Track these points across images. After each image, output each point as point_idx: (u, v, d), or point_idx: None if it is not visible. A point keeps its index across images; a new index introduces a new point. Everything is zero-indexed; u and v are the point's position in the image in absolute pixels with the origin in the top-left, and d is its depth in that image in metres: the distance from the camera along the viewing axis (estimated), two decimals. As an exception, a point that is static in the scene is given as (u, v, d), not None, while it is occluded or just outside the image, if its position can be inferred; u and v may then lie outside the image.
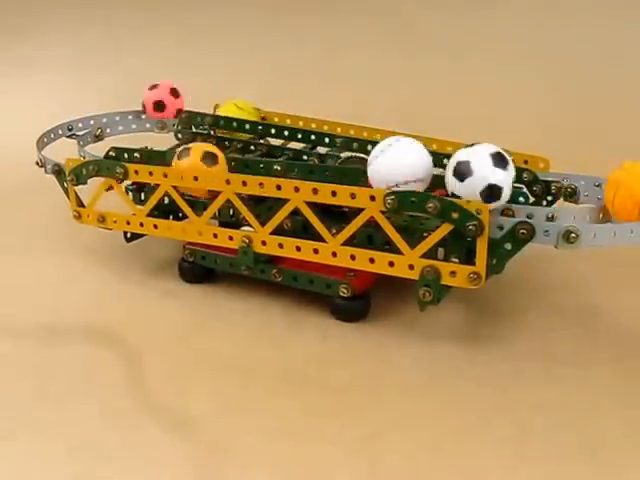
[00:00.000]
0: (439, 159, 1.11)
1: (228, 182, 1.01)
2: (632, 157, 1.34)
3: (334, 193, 0.94)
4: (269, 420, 0.80)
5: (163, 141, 1.36)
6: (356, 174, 1.03)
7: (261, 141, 1.32)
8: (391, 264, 0.92)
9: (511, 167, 0.88)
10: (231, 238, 1.03)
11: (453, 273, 0.89)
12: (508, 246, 0.87)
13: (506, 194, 0.88)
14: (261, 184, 0.99)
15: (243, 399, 0.84)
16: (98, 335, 0.99)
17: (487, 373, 0.88)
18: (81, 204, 1.16)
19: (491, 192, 0.86)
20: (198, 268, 1.13)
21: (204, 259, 1.11)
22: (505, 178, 0.87)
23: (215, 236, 1.05)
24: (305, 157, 1.23)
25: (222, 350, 0.95)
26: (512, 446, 0.75)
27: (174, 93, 1.38)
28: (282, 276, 1.04)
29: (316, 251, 0.97)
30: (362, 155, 1.13)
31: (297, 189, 0.96)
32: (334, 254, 0.96)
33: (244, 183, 1.00)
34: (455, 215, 0.87)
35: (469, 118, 1.42)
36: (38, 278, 1.17)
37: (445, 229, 0.88)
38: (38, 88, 1.84)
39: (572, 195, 1.09)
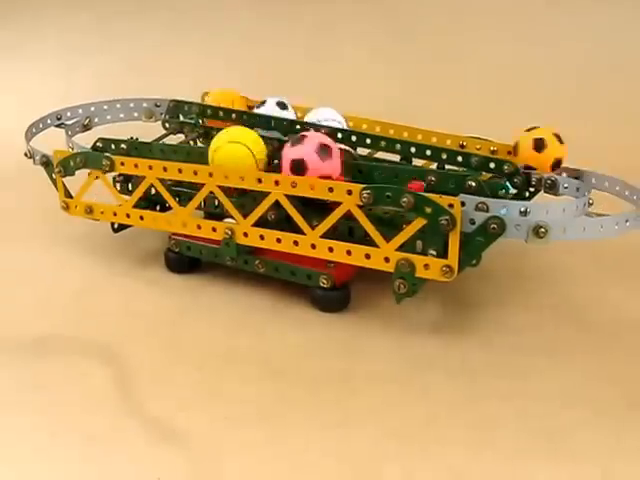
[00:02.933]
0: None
1: (211, 175, 1.03)
2: (613, 150, 1.36)
3: (312, 187, 0.96)
4: (243, 407, 0.83)
5: (152, 130, 1.38)
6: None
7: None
8: (367, 256, 0.95)
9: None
10: (214, 229, 1.06)
11: (427, 266, 0.91)
12: (480, 240, 0.89)
13: None
14: (242, 178, 1.01)
15: (219, 387, 0.87)
16: (82, 324, 1.02)
17: (459, 364, 0.91)
18: (69, 195, 1.19)
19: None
20: (184, 258, 1.15)
21: (189, 250, 1.13)
22: None
23: (199, 227, 1.07)
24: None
25: (203, 340, 0.98)
26: (477, 433, 0.78)
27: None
28: (265, 267, 1.07)
29: (296, 243, 1.00)
30: (345, 147, 1.15)
31: (277, 182, 0.98)
32: (313, 246, 0.99)
33: (226, 176, 1.02)
34: (428, 209, 0.89)
35: (457, 109, 1.43)
36: (24, 267, 1.20)
37: (419, 223, 0.90)
38: (27, 75, 1.85)
39: (552, 187, 1.11)
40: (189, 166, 1.05)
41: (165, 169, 1.06)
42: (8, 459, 0.76)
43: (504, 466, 0.73)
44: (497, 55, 1.69)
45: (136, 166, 1.09)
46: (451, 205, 0.88)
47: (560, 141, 1.12)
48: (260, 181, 1.00)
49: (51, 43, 1.84)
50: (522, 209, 0.94)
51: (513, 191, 1.12)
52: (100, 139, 1.22)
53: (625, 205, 1.06)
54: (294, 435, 0.78)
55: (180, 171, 1.05)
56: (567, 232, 0.88)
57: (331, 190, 0.95)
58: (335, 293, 1.04)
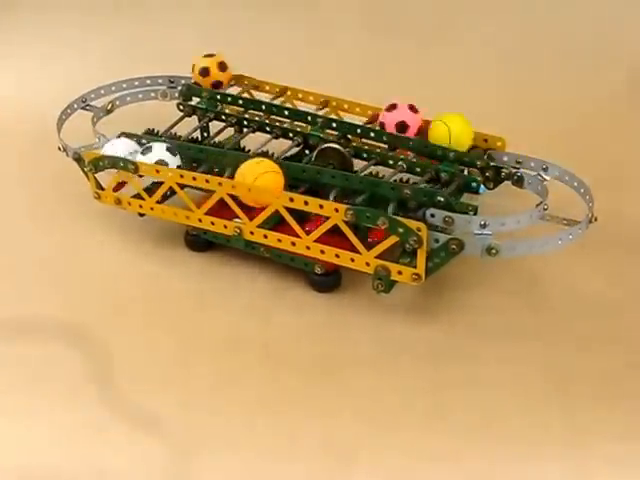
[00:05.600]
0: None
1: (220, 184, 1.21)
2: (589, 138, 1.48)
3: (306, 203, 1.14)
4: (234, 394, 1.05)
5: (167, 108, 1.53)
6: (328, 175, 1.22)
7: (255, 117, 1.47)
8: (352, 260, 1.15)
9: None
10: (225, 227, 1.25)
11: (400, 272, 1.11)
12: (443, 255, 1.08)
13: None
14: (249, 189, 1.19)
15: (213, 374, 1.09)
16: (102, 300, 1.23)
17: (425, 349, 1.13)
18: (100, 187, 1.37)
19: None
20: (201, 240, 1.35)
21: (206, 233, 1.32)
22: None
23: (212, 224, 1.26)
24: (291, 134, 1.40)
25: (208, 323, 1.19)
26: (433, 419, 1.00)
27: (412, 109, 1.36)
28: (269, 253, 1.26)
29: (293, 244, 1.19)
30: (336, 146, 1.31)
31: (277, 196, 1.17)
32: (307, 247, 1.18)
33: (233, 187, 1.20)
34: (401, 230, 1.07)
35: (441, 96, 1.54)
36: (53, 244, 1.39)
37: (393, 239, 1.09)
38: (41, 52, 1.96)
39: (518, 181, 1.27)
40: (202, 175, 1.23)
41: (182, 176, 1.24)
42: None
43: (453, 450, 0.96)
44: (489, 40, 1.77)
45: (157, 172, 1.26)
46: (419, 229, 1.06)
47: (222, 69, 1.51)
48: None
49: (53, 24, 1.91)
50: (482, 222, 1.11)
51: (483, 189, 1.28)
52: (123, 133, 1.39)
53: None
54: (281, 424, 1.00)
55: (194, 179, 1.23)
56: (516, 250, 1.07)
57: (321, 207, 1.13)
58: (328, 278, 1.25)
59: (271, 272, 1.30)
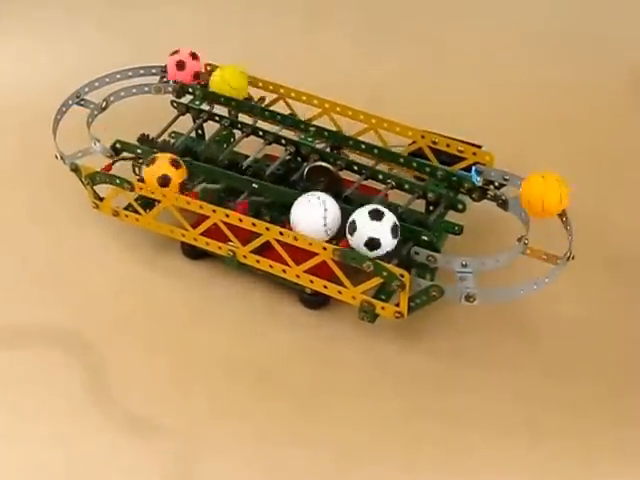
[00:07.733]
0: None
1: (214, 211, 1.25)
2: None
3: (296, 238, 1.19)
4: (240, 423, 1.15)
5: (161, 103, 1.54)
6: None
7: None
8: (339, 292, 1.21)
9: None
10: (220, 248, 1.30)
11: (383, 308, 1.18)
12: (424, 299, 1.14)
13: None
14: (240, 219, 1.23)
15: (213, 397, 1.18)
16: (98, 310, 1.30)
17: (407, 374, 1.21)
18: (98, 197, 1.40)
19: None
20: (197, 249, 1.40)
21: (202, 245, 1.38)
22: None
23: (207, 244, 1.31)
24: (283, 141, 1.42)
25: (205, 339, 1.27)
26: (408, 451, 1.10)
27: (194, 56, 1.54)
28: (261, 270, 1.32)
29: (284, 271, 1.25)
30: (325, 164, 1.34)
31: (268, 229, 1.21)
32: (297, 276, 1.24)
33: (227, 215, 1.24)
34: (385, 274, 1.13)
35: (437, 101, 1.55)
36: (53, 250, 1.44)
37: (377, 280, 1.15)
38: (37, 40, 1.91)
39: (503, 204, 1.30)
40: (196, 202, 1.26)
41: (177, 199, 1.28)
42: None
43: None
44: (487, 39, 1.73)
45: (152, 193, 1.30)
46: (402, 275, 1.12)
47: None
48: (254, 225, 1.22)
49: (44, 15, 1.86)
50: (462, 262, 1.16)
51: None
52: (118, 141, 1.41)
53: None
54: (276, 452, 1.10)
55: (188, 203, 1.27)
56: (494, 297, 1.14)
57: (310, 244, 1.18)
58: (317, 297, 1.31)
59: (265, 285, 1.36)
